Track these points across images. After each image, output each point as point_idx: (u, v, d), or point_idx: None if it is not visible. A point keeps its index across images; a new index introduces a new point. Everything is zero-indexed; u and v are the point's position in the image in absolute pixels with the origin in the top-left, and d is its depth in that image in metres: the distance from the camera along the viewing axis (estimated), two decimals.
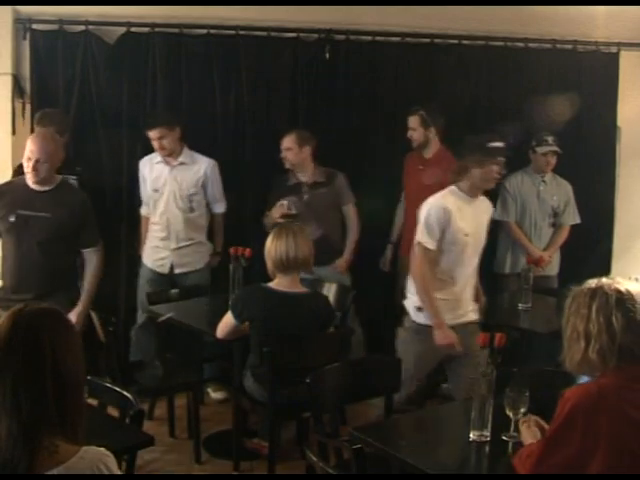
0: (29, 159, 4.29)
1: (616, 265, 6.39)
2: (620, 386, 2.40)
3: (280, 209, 5.26)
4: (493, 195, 5.72)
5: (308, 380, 3.48)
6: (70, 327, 2.09)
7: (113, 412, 3.47)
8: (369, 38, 5.84)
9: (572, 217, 5.85)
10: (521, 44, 6.07)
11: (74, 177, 5.18)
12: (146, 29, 5.48)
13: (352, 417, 4.64)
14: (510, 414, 2.83)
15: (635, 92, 6.35)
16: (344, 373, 3.64)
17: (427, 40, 5.95)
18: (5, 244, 4.48)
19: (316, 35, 5.78)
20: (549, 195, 5.77)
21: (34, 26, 5.35)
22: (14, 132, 5.39)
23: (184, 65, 5.61)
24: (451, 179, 4.31)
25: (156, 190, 5.28)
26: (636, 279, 2.52)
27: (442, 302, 4.16)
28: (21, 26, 5.35)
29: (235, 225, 5.55)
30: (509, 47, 6.07)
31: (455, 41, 5.98)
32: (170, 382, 4.76)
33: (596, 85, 6.26)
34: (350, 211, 5.52)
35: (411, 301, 4.27)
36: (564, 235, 5.85)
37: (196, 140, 5.60)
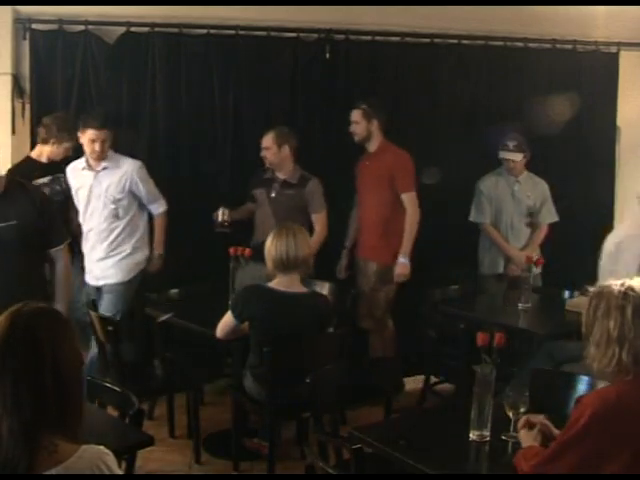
0: None
1: None
2: (638, 389, 2.38)
3: (217, 216, 5.24)
4: (469, 197, 5.76)
5: (308, 380, 3.48)
6: (68, 326, 2.09)
7: (113, 412, 3.47)
8: (369, 38, 5.84)
9: (549, 216, 5.86)
10: (521, 44, 6.08)
11: (63, 175, 5.21)
12: (146, 29, 5.48)
13: (352, 417, 4.63)
14: (510, 414, 2.83)
15: (635, 92, 6.35)
16: (344, 373, 3.64)
17: (427, 40, 5.95)
18: None
19: (316, 35, 5.78)
20: (524, 195, 5.78)
21: (34, 26, 5.35)
22: (14, 132, 5.39)
23: (184, 65, 5.60)
24: None
25: (83, 197, 5.10)
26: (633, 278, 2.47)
27: None
28: (21, 26, 5.35)
29: (235, 225, 5.53)
30: (509, 47, 6.08)
31: (455, 41, 5.99)
32: (170, 382, 4.76)
33: (596, 85, 6.27)
34: (317, 220, 5.41)
35: None
36: (542, 234, 5.85)
37: (195, 140, 5.61)
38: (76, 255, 5.05)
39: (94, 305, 4.92)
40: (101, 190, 5.04)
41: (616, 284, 2.45)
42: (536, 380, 3.40)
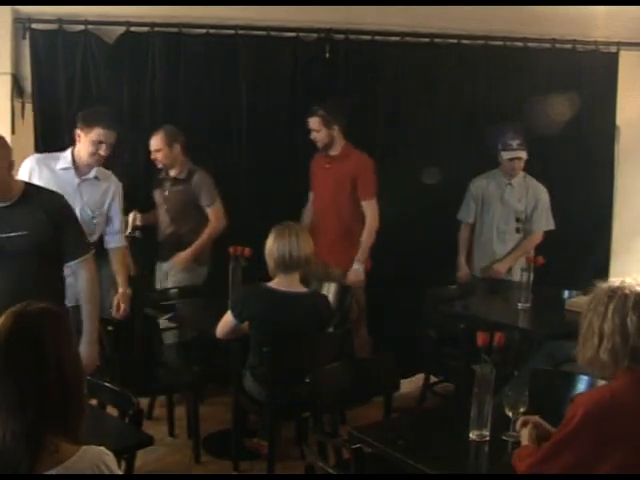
0: None
1: (614, 264, 6.40)
2: (634, 390, 2.38)
3: (127, 220, 5.20)
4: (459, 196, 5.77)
5: (308, 380, 3.48)
6: (69, 326, 2.09)
7: (112, 412, 3.47)
8: (368, 38, 5.83)
9: (544, 223, 5.76)
10: (520, 44, 6.07)
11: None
12: (145, 29, 5.48)
13: (351, 417, 4.64)
14: (509, 414, 2.83)
15: (634, 92, 6.35)
16: (344, 373, 3.64)
17: (427, 40, 5.95)
18: None
19: (315, 35, 5.78)
20: (514, 199, 5.71)
21: (33, 25, 5.35)
22: (13, 132, 5.38)
23: (183, 64, 5.61)
24: None
25: None
26: (634, 278, 2.48)
27: None
28: (20, 26, 5.35)
29: (234, 225, 5.53)
30: (508, 47, 6.07)
31: (454, 41, 5.98)
32: (169, 382, 4.76)
33: (595, 85, 6.26)
34: (211, 213, 5.35)
35: None
36: (533, 241, 5.76)
37: (195, 140, 5.60)
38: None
39: None
40: (81, 203, 4.52)
41: (613, 281, 2.47)
42: (535, 380, 3.40)
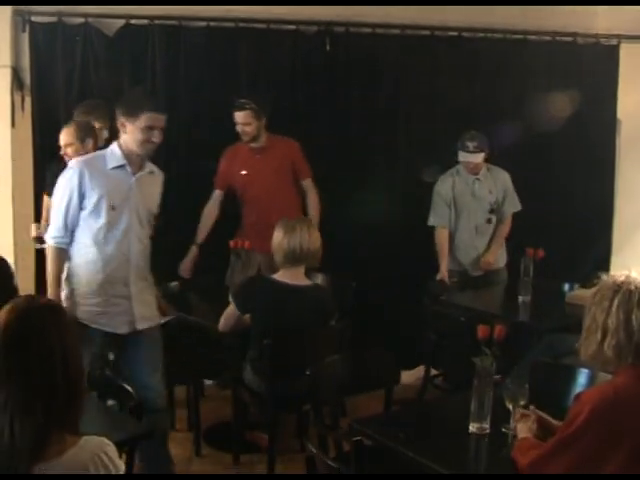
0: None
1: (616, 258, 6.39)
2: (636, 384, 2.38)
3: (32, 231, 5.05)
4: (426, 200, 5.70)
5: (308, 372, 3.48)
6: (70, 320, 2.11)
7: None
8: (369, 30, 5.82)
9: (512, 206, 5.74)
10: (521, 36, 6.05)
11: None
12: (145, 21, 5.47)
13: (352, 409, 4.64)
14: (510, 406, 2.83)
15: (635, 85, 6.34)
16: (344, 366, 3.64)
17: (427, 32, 5.93)
18: None
19: (316, 27, 5.77)
20: (485, 192, 5.67)
21: (33, 18, 5.34)
22: (13, 125, 5.39)
23: (183, 57, 5.59)
24: None
25: (113, 208, 3.82)
26: (636, 271, 2.48)
27: None
28: (20, 19, 5.34)
29: (234, 220, 5.53)
30: (509, 39, 6.05)
31: (455, 33, 5.97)
32: (170, 375, 4.75)
33: (596, 78, 6.24)
34: None
35: None
36: (507, 227, 5.75)
37: (195, 133, 5.60)
38: None
39: None
40: (142, 202, 3.94)
41: (620, 275, 2.46)
42: (536, 372, 3.40)
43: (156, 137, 3.87)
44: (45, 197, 5.11)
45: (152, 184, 4.05)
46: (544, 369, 3.70)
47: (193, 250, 5.31)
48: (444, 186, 5.65)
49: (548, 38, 6.10)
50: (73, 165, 3.88)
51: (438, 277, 5.59)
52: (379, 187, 5.89)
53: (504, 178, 5.72)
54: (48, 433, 1.93)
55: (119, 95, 5.39)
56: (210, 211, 5.37)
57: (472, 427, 2.86)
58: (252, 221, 5.31)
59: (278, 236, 4.12)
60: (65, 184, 3.82)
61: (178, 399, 4.95)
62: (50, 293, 3.81)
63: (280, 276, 4.14)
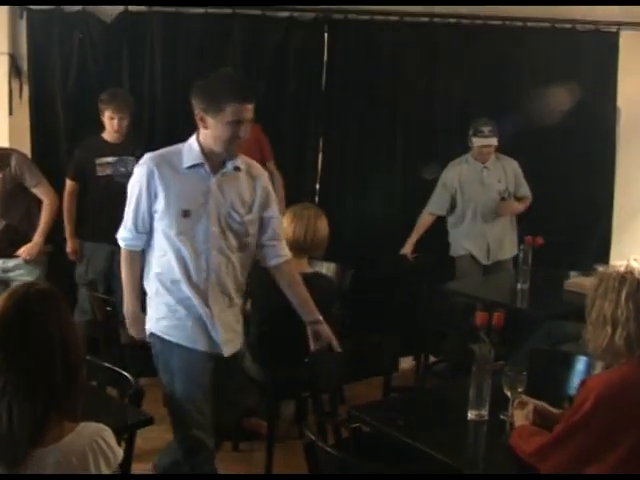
0: None
1: (615, 246, 6.39)
2: None
3: None
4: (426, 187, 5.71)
5: (307, 360, 3.49)
6: (67, 306, 2.11)
7: (112, 392, 3.48)
8: (367, 17, 5.80)
9: (526, 191, 5.78)
10: (520, 23, 6.04)
11: (132, 159, 5.19)
12: (144, 8, 5.45)
13: (350, 396, 4.65)
14: (508, 393, 2.83)
15: (635, 72, 6.32)
16: (343, 353, 3.64)
17: (426, 19, 5.91)
18: None
19: (313, 14, 5.75)
20: (494, 180, 5.68)
21: (31, 5, 5.31)
22: (11, 112, 5.38)
23: (182, 43, 5.58)
24: None
25: (186, 214, 3.30)
26: (635, 259, 2.48)
27: None
28: (17, 5, 5.32)
29: None
30: (508, 26, 6.03)
31: (454, 20, 5.95)
32: None
33: (596, 65, 6.23)
34: (40, 194, 4.94)
35: None
36: (525, 204, 5.77)
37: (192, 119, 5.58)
38: None
39: (94, 286, 4.92)
40: (224, 205, 3.36)
41: (620, 266, 2.45)
42: (534, 359, 3.41)
43: (244, 132, 3.23)
44: (67, 180, 5.23)
45: (239, 183, 3.40)
46: (542, 356, 3.70)
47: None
48: (450, 175, 5.68)
49: (547, 25, 6.08)
50: (145, 160, 3.35)
51: (402, 251, 5.69)
52: (377, 176, 5.89)
53: (514, 166, 5.75)
54: (46, 419, 1.94)
55: (117, 82, 5.42)
56: None
57: (470, 414, 2.87)
58: None
59: (285, 223, 4.06)
60: (135, 181, 3.37)
61: None
62: (126, 301, 3.47)
63: None
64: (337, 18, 5.77)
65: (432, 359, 5.56)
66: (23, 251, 4.92)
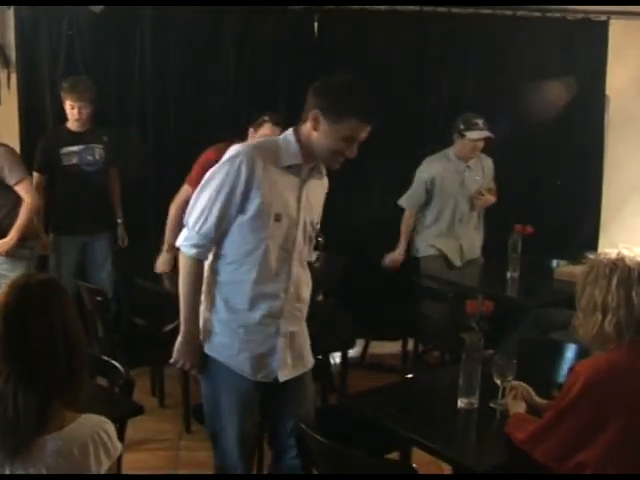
0: None
1: (604, 234, 6.41)
2: (633, 359, 2.39)
3: None
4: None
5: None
6: (69, 296, 2.13)
7: (102, 382, 3.47)
8: (357, 7, 5.78)
9: (493, 185, 5.70)
10: (510, 12, 6.03)
11: (100, 146, 5.18)
12: None
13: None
14: (498, 381, 2.84)
15: (624, 61, 6.33)
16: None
17: (416, 8, 5.89)
18: None
19: (304, 5, 5.73)
20: (473, 180, 5.54)
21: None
22: (0, 102, 5.35)
23: (172, 33, 5.56)
24: None
25: (277, 218, 2.91)
26: (625, 247, 2.48)
27: None
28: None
29: None
30: (498, 15, 6.02)
31: (444, 9, 5.93)
32: (159, 352, 4.76)
33: (585, 54, 6.24)
34: (21, 190, 4.78)
35: None
36: (495, 196, 5.65)
37: (184, 106, 5.58)
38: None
39: (82, 276, 4.91)
40: (305, 213, 3.01)
41: (611, 253, 2.47)
42: (524, 348, 3.42)
43: (352, 152, 2.92)
44: (34, 173, 5.11)
45: (319, 190, 3.12)
46: (532, 344, 3.72)
47: (165, 257, 4.75)
48: (427, 171, 5.48)
49: (537, 14, 6.08)
50: (242, 150, 2.87)
51: (387, 260, 5.59)
52: (367, 169, 5.87)
53: (490, 164, 5.64)
54: (50, 405, 1.96)
55: (106, 72, 5.39)
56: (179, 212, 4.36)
57: (460, 402, 2.87)
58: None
59: None
60: (226, 173, 2.83)
61: (167, 376, 4.96)
62: (185, 321, 2.94)
63: None
64: (328, 8, 5.74)
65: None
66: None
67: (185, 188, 4.66)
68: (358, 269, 5.58)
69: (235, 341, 2.93)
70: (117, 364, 3.13)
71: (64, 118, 5.25)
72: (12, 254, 4.80)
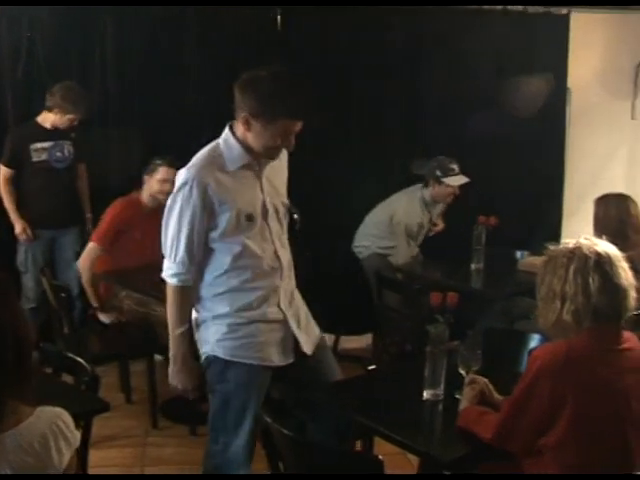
0: None
1: (567, 224, 6.48)
2: (592, 346, 2.42)
3: None
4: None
5: None
6: (15, 292, 2.11)
7: (68, 379, 3.45)
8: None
9: None
10: (473, 7, 6.05)
11: (69, 142, 5.14)
12: None
13: None
14: (463, 372, 2.87)
15: (585, 54, 6.40)
16: None
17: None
18: None
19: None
20: (435, 214, 5.67)
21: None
22: None
23: (134, 29, 5.51)
24: None
25: (250, 218, 2.99)
26: (585, 238, 2.52)
27: None
28: None
29: None
30: (460, 10, 6.02)
31: (408, 7, 5.91)
32: (124, 348, 4.74)
33: (547, 47, 6.28)
34: None
35: None
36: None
37: (147, 105, 5.55)
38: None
39: (48, 272, 4.87)
40: (273, 199, 3.09)
41: (569, 243, 2.51)
42: (489, 338, 3.45)
43: (290, 144, 2.97)
44: (2, 167, 5.08)
45: (278, 168, 3.14)
46: (497, 335, 3.76)
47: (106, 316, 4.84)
48: (411, 215, 5.52)
49: (499, 8, 6.11)
50: (186, 176, 2.90)
51: None
52: (333, 165, 5.88)
53: None
54: (3, 404, 1.94)
55: (67, 67, 5.33)
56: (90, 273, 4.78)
57: (426, 394, 2.89)
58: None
59: None
60: (181, 204, 2.89)
61: (133, 373, 4.94)
62: (175, 345, 3.04)
63: None
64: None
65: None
66: None
67: (90, 246, 4.77)
68: (326, 264, 5.60)
69: (256, 336, 3.03)
70: (82, 361, 3.11)
71: (26, 117, 5.19)
72: None
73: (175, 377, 3.09)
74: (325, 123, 5.69)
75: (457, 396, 2.87)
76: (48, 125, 5.13)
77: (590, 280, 2.41)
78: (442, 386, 2.88)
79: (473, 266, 5.03)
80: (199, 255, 2.96)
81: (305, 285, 4.72)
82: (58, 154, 5.16)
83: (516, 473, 2.55)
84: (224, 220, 2.91)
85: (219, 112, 5.36)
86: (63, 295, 4.41)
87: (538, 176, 6.36)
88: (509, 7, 6.10)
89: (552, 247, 2.61)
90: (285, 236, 3.14)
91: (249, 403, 3.05)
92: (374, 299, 5.17)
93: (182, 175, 2.92)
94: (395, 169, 6.02)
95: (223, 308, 3.02)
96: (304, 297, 3.30)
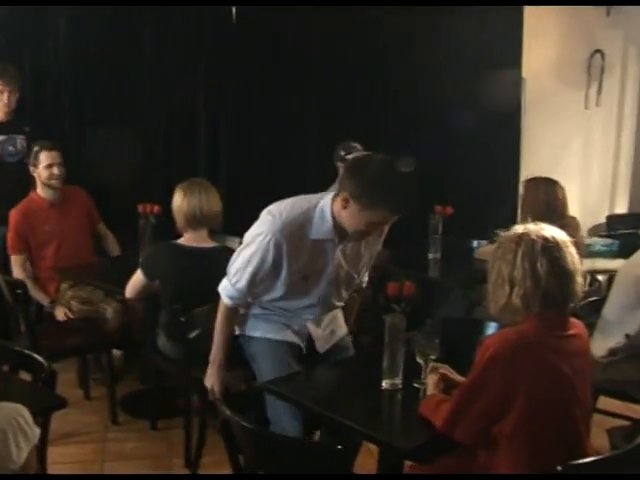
0: None
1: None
2: (541, 332, 2.44)
3: None
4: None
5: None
6: None
7: (25, 376, 3.42)
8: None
9: None
10: None
11: (22, 137, 5.07)
12: None
13: None
14: (421, 361, 2.89)
15: (539, 43, 6.46)
16: None
17: None
18: None
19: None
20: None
21: None
22: None
23: (89, 19, 5.46)
24: None
25: (305, 278, 3.27)
26: (534, 223, 2.56)
27: None
28: None
29: (145, 183, 5.49)
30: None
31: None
32: (80, 344, 4.70)
33: (501, 37, 6.32)
34: None
35: None
36: None
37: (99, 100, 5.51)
38: None
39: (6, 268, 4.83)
40: (339, 269, 3.33)
41: (517, 228, 2.54)
42: (446, 327, 3.47)
43: (381, 232, 3.32)
44: None
45: (372, 244, 3.37)
46: (454, 323, 3.78)
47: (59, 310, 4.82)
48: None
49: None
50: (270, 228, 3.09)
51: None
52: (289, 159, 5.88)
53: None
54: None
55: (19, 59, 5.26)
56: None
57: (385, 383, 2.91)
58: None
59: (177, 200, 4.07)
60: (259, 249, 3.13)
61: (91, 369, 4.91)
62: (216, 350, 3.39)
63: (185, 240, 4.11)
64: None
65: None
66: None
67: (12, 258, 4.83)
68: None
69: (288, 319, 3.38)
70: (39, 357, 3.08)
71: None
72: None
73: (209, 378, 3.42)
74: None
75: (416, 385, 2.89)
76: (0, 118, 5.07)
77: (538, 264, 2.44)
78: (400, 375, 2.90)
79: (430, 255, 5.06)
80: (258, 289, 3.27)
81: None
82: (10, 148, 5.09)
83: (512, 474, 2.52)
84: (283, 274, 3.18)
85: (174, 111, 5.41)
86: (19, 291, 4.36)
87: (494, 165, 6.41)
88: None
89: (503, 233, 2.64)
90: (339, 291, 3.39)
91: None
92: None
93: (268, 221, 3.12)
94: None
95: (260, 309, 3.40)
96: None
